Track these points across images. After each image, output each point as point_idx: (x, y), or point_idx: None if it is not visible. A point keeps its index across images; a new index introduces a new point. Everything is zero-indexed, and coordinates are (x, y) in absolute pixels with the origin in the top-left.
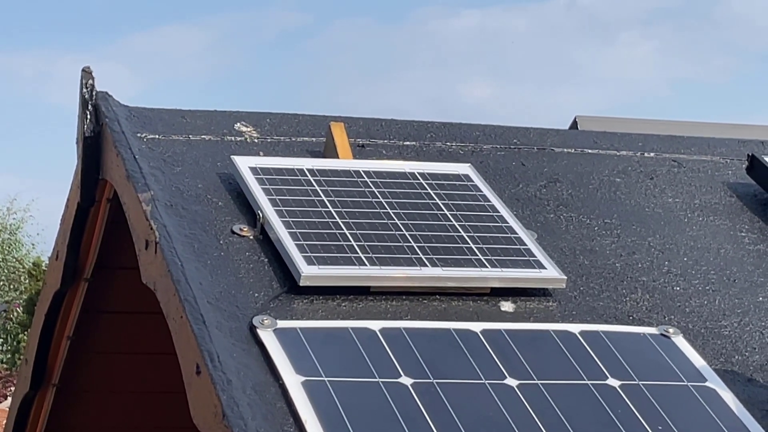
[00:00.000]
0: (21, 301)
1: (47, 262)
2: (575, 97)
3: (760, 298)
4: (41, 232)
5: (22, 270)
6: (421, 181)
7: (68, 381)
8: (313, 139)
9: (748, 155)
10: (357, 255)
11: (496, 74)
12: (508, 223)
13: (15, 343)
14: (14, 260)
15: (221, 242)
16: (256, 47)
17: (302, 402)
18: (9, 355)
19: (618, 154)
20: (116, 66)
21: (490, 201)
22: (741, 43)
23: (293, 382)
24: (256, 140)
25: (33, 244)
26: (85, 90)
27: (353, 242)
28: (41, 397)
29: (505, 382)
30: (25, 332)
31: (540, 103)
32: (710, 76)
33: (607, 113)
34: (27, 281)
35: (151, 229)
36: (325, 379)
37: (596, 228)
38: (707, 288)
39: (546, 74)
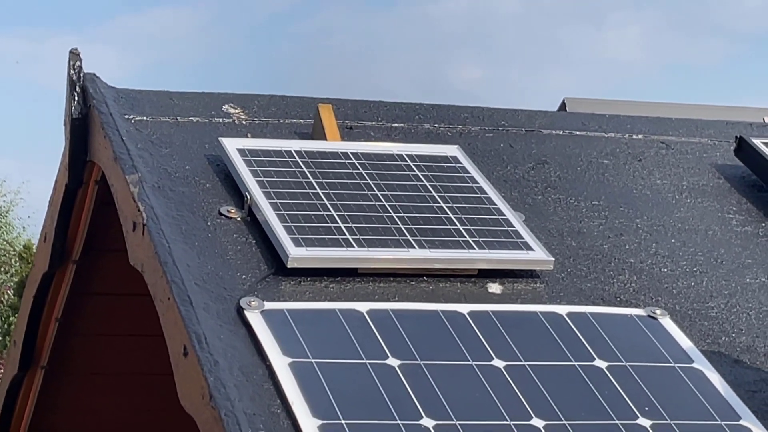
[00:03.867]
0: (12, 284)
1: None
2: (565, 79)
3: (748, 280)
4: (32, 215)
5: (12, 253)
6: (409, 162)
7: (57, 363)
8: (302, 120)
9: (736, 137)
10: (345, 237)
11: (485, 56)
12: (495, 204)
13: (6, 326)
14: (5, 243)
15: (209, 224)
16: (245, 30)
17: (289, 383)
18: (0, 338)
19: (606, 136)
20: (105, 47)
21: (478, 183)
22: (730, 25)
23: (280, 363)
24: (244, 122)
25: (24, 227)
26: (72, 72)
27: (341, 224)
28: (30, 379)
29: (492, 363)
30: (16, 315)
31: (529, 85)
32: (700, 58)
33: (596, 95)
34: (18, 264)
35: (139, 210)
36: (312, 360)
37: (584, 210)
38: (695, 269)
39: (535, 56)
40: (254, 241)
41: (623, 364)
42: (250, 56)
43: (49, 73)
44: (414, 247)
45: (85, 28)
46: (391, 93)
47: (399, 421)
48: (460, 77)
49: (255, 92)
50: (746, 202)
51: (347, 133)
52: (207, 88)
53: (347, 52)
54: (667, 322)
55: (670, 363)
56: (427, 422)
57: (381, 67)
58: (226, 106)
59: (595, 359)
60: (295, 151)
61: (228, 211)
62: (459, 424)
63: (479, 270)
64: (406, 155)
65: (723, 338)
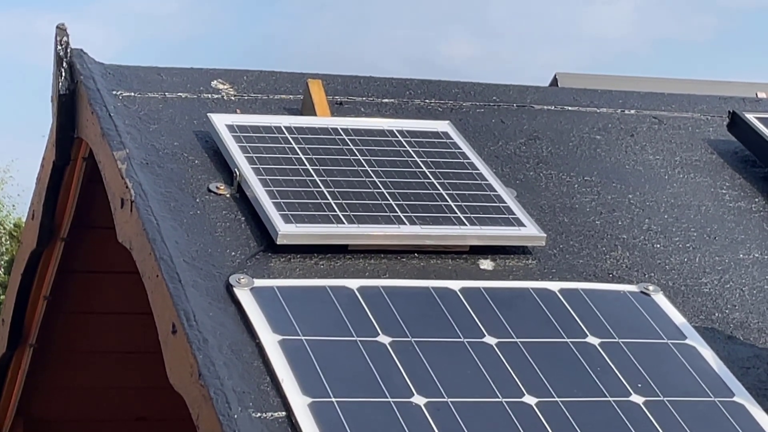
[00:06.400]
0: (2, 262)
1: None
2: (556, 55)
3: (741, 256)
4: (22, 193)
5: (3, 231)
6: (400, 138)
7: (45, 341)
8: (291, 96)
9: (729, 112)
10: (335, 213)
11: (477, 33)
12: (487, 180)
13: None
14: None
15: (197, 201)
16: (234, 5)
17: (279, 361)
18: None
19: (598, 111)
20: (96, 25)
21: (469, 158)
22: (721, 1)
23: (270, 341)
24: (233, 98)
25: (14, 205)
26: (59, 47)
27: (331, 200)
28: (18, 357)
29: (483, 340)
30: None
31: (521, 62)
32: (690, 35)
33: (588, 71)
34: (8, 242)
35: (127, 187)
36: (302, 337)
37: (576, 185)
38: (688, 245)
39: (526, 33)
40: (243, 218)
41: (616, 340)
42: (239, 33)
43: (41, 52)
44: (405, 224)
45: (76, 6)
46: (381, 70)
47: (390, 399)
48: (451, 54)
49: (244, 67)
50: (739, 177)
51: (337, 109)
52: (197, 64)
53: (338, 28)
54: (660, 299)
55: (663, 339)
56: (418, 400)
57: (372, 44)
58: (214, 82)
59: (587, 336)
60: (285, 127)
61: (217, 187)
62: (450, 401)
63: (471, 246)
64: (397, 131)
65: (716, 314)
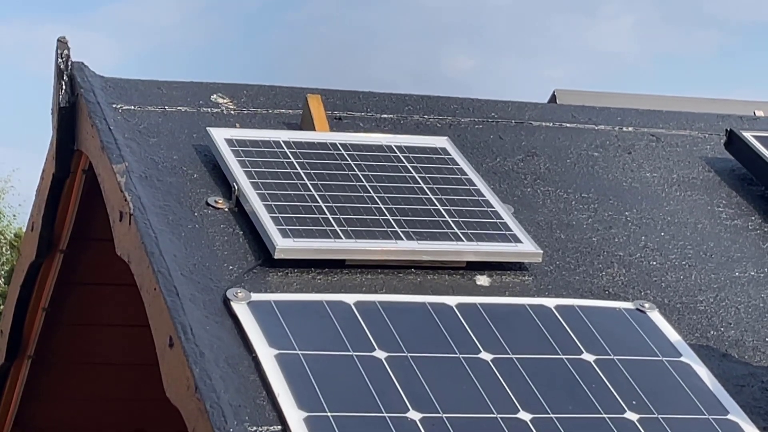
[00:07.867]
0: (3, 272)
1: None
2: (557, 69)
3: (737, 274)
4: (23, 204)
5: (3, 241)
6: (398, 154)
7: (44, 353)
8: (290, 111)
9: (727, 130)
10: (332, 228)
11: (478, 46)
12: (484, 196)
13: None
14: None
15: (196, 214)
16: (238, 18)
17: (275, 375)
18: None
19: (596, 128)
20: (98, 35)
21: (467, 174)
22: (723, 17)
23: (267, 355)
24: (232, 112)
25: (14, 215)
26: (60, 60)
27: (329, 215)
28: (16, 368)
29: (479, 356)
30: None
31: (522, 75)
32: (692, 50)
33: (588, 86)
34: (9, 252)
35: (126, 200)
36: (299, 352)
37: (573, 202)
38: (684, 263)
39: (527, 46)
40: (241, 232)
41: (611, 357)
42: (243, 45)
43: (42, 61)
44: (402, 239)
45: (77, 15)
46: (383, 83)
47: (385, 414)
48: (452, 67)
49: (247, 81)
50: (736, 195)
51: (336, 124)
52: (199, 76)
53: (339, 41)
54: (656, 316)
55: (658, 357)
56: (414, 415)
57: (373, 57)
58: (214, 96)
59: (582, 352)
60: (284, 142)
61: (215, 201)
62: (445, 417)
63: (467, 262)
64: (395, 146)
65: (711, 332)
